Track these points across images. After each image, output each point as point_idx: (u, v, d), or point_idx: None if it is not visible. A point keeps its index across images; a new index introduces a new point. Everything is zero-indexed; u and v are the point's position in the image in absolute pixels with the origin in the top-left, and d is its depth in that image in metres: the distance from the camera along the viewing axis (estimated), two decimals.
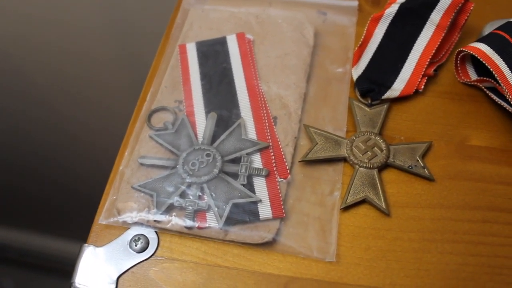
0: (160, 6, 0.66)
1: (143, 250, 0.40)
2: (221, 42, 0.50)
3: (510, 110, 0.44)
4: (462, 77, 0.48)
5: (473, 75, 0.47)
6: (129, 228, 0.41)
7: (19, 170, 1.18)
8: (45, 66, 0.89)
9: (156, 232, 0.41)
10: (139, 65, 0.62)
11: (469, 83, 0.48)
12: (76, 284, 0.39)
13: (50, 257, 1.28)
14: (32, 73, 0.91)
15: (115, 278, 0.39)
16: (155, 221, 0.40)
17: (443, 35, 0.47)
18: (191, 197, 0.41)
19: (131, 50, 0.79)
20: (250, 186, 0.41)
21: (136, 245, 0.40)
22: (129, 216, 0.41)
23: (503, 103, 0.44)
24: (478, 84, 0.47)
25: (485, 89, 0.46)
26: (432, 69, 0.48)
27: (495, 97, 0.45)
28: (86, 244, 0.41)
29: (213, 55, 0.49)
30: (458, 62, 0.47)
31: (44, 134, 1.05)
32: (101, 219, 0.41)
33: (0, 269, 1.34)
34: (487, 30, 0.49)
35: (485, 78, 0.45)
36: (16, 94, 0.97)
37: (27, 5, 0.77)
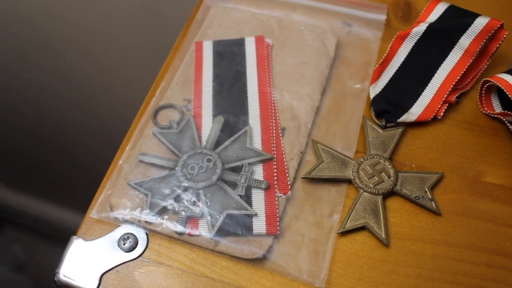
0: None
1: (131, 249, 0.39)
2: (239, 43, 0.48)
3: None
4: (486, 108, 0.45)
5: (497, 107, 0.45)
6: (120, 225, 0.40)
7: (46, 144, 1.19)
8: (74, 45, 0.89)
9: (146, 233, 0.40)
10: (158, 56, 0.61)
11: (492, 115, 0.45)
12: (60, 275, 0.38)
13: (62, 228, 1.30)
14: (61, 49, 0.91)
15: (99, 275, 0.38)
16: (146, 222, 0.39)
17: (470, 61, 0.45)
18: (185, 202, 0.40)
19: (154, 40, 0.78)
20: (247, 198, 0.40)
21: (124, 244, 0.39)
22: (121, 214, 0.40)
23: None
24: (502, 117, 0.44)
25: (508, 124, 0.44)
26: (455, 96, 0.45)
27: None
28: (75, 236, 0.40)
29: (228, 56, 0.47)
30: (483, 92, 0.45)
31: (76, 115, 1.06)
32: (93, 213, 0.40)
33: (12, 235, 1.37)
34: None
35: (509, 112, 0.43)
36: (44, 68, 0.97)
37: None
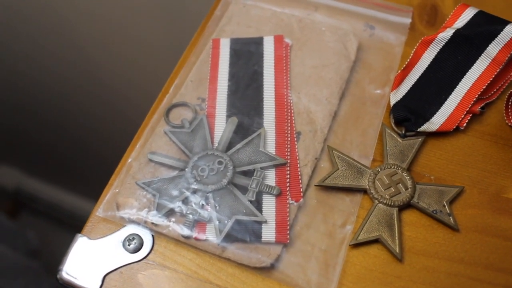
0: None
1: (136, 250, 0.38)
2: (257, 42, 0.47)
3: None
4: None
5: None
6: (126, 225, 0.39)
7: (63, 132, 1.20)
8: (93, 36, 0.88)
9: (152, 234, 0.39)
10: (175, 52, 0.61)
11: None
12: (63, 273, 0.38)
13: (77, 216, 1.30)
14: (79, 40, 0.91)
15: (102, 275, 0.37)
16: (152, 223, 0.38)
17: (498, 70, 0.43)
18: (194, 205, 0.39)
19: (171, 35, 0.77)
20: (258, 203, 0.39)
21: (129, 245, 0.38)
22: (128, 213, 0.39)
23: None
24: None
25: None
26: (479, 106, 0.43)
27: None
28: (80, 234, 0.39)
29: (246, 55, 0.46)
30: (510, 103, 0.43)
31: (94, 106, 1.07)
32: (100, 211, 0.40)
33: (27, 220, 1.38)
34: None
35: None
36: (62, 59, 0.98)
37: None
